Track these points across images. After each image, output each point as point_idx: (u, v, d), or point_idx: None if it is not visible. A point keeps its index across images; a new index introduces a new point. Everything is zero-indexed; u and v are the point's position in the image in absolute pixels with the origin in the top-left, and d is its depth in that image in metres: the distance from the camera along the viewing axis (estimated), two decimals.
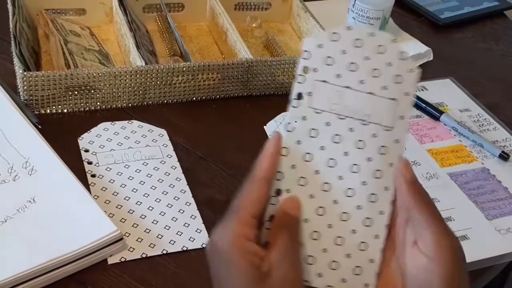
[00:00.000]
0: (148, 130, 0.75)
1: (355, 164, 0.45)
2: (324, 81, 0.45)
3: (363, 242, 0.46)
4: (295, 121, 0.45)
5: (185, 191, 0.68)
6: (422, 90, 0.91)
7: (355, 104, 0.45)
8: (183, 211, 0.66)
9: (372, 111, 0.45)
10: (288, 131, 0.45)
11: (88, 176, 0.68)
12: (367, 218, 0.46)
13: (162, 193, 0.67)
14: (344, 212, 0.46)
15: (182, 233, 0.63)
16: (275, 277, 0.42)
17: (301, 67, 0.46)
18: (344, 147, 0.45)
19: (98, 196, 0.65)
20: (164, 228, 0.63)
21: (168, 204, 0.66)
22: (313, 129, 0.45)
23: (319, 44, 0.45)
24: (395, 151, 0.46)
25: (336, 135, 0.45)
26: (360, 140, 0.45)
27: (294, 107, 0.45)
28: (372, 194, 0.45)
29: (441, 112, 0.85)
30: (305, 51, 0.45)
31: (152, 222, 0.64)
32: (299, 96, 0.46)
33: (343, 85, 0.45)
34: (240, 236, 0.43)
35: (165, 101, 0.80)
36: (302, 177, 0.45)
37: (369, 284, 0.46)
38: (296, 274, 0.44)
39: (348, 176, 0.45)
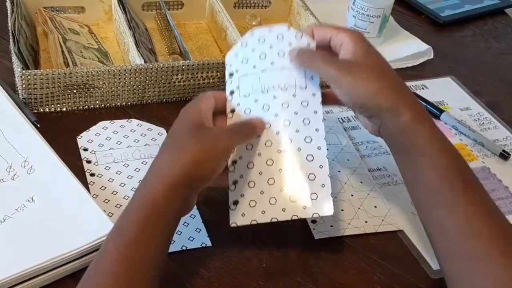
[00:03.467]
0: (147, 129, 0.75)
1: (285, 120, 0.61)
2: (245, 75, 0.63)
3: (309, 155, 0.61)
4: (233, 108, 0.62)
5: None
6: (423, 88, 0.90)
7: (272, 80, 0.62)
8: None
9: (287, 80, 0.62)
10: (230, 117, 0.62)
11: (87, 175, 0.67)
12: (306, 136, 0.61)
13: None
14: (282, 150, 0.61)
15: (181, 232, 0.63)
16: (213, 129, 0.59)
17: (227, 73, 0.65)
18: (273, 111, 0.62)
19: (97, 195, 0.65)
20: None
21: None
22: (246, 108, 0.62)
23: (235, 53, 0.65)
24: (314, 102, 0.62)
25: (265, 105, 0.62)
26: (284, 102, 0.62)
27: (229, 101, 0.63)
28: (305, 137, 0.61)
29: (442, 111, 0.85)
30: (227, 62, 0.65)
31: None
32: (231, 92, 0.63)
33: (260, 70, 0.63)
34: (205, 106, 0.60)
35: (165, 100, 0.79)
36: (248, 144, 0.61)
37: (324, 184, 0.60)
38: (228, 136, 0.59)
39: (282, 129, 0.61)
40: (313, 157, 0.61)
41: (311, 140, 0.61)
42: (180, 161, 0.55)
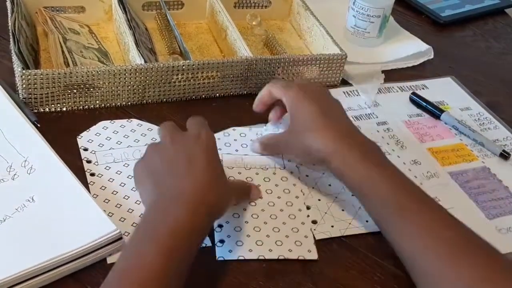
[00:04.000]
0: (148, 129, 0.75)
1: (268, 189, 0.69)
2: (228, 154, 0.72)
3: (292, 215, 0.67)
4: None
5: None
6: (423, 88, 0.90)
7: (253, 161, 0.72)
8: None
9: (266, 162, 0.72)
10: None
11: (87, 174, 0.67)
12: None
13: None
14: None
15: None
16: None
17: None
18: (256, 183, 0.69)
19: (97, 195, 0.65)
20: None
21: None
22: (230, 177, 0.68)
23: (217, 138, 0.70)
24: (292, 178, 0.71)
25: (248, 177, 0.70)
26: (265, 177, 0.70)
27: None
28: (287, 201, 0.68)
29: (442, 111, 0.85)
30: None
31: None
32: None
33: (242, 153, 0.72)
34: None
35: (165, 100, 0.79)
36: None
37: (307, 236, 0.65)
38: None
39: (265, 195, 0.68)
40: (295, 216, 0.66)
41: (292, 204, 0.68)
42: (203, 187, 0.56)
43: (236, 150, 0.73)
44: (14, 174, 0.64)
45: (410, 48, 0.97)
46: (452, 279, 0.55)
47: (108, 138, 0.72)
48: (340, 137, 0.64)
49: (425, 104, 0.86)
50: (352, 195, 0.70)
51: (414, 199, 0.61)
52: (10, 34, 0.75)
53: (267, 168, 0.71)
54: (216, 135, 0.74)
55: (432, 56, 0.98)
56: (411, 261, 0.59)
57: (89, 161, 0.69)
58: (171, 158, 0.58)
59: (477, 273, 0.55)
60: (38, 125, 0.71)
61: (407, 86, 0.90)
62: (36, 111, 0.74)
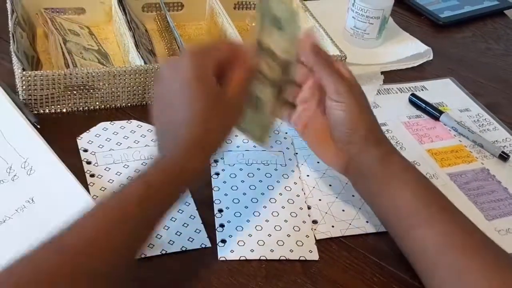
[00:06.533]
0: (148, 130, 0.75)
1: (269, 185, 0.69)
2: (229, 151, 0.72)
3: (293, 212, 0.67)
4: (218, 172, 0.70)
5: None
6: (422, 90, 0.91)
7: (255, 157, 0.72)
8: (182, 211, 0.65)
9: (268, 158, 0.72)
10: (214, 178, 0.69)
11: (87, 176, 0.68)
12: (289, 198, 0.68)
13: None
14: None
15: (181, 233, 0.63)
16: (231, 99, 0.56)
17: None
18: (258, 178, 0.70)
19: (97, 196, 0.65)
20: (163, 228, 0.63)
21: None
22: (231, 174, 0.70)
23: None
24: (293, 175, 0.71)
25: (249, 173, 0.70)
26: (267, 173, 0.70)
27: (213, 166, 0.70)
28: (288, 199, 0.68)
29: (441, 112, 0.85)
30: None
31: None
32: (216, 161, 0.71)
33: (243, 149, 0.73)
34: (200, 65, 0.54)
35: None
36: (234, 199, 0.67)
37: (308, 235, 0.65)
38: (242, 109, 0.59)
39: (266, 191, 0.69)
40: (296, 214, 0.67)
41: (293, 202, 0.68)
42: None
43: (238, 146, 0.73)
44: (14, 175, 0.64)
45: (410, 49, 0.97)
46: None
47: (108, 139, 0.72)
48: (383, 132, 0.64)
49: (424, 105, 0.86)
50: (353, 195, 0.70)
51: (437, 205, 0.60)
52: (10, 35, 0.76)
53: (269, 164, 0.71)
54: None
55: (431, 57, 0.98)
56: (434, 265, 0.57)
57: (89, 162, 0.69)
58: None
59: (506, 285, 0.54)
60: (38, 126, 0.71)
61: (406, 87, 0.90)
62: (36, 112, 0.74)
